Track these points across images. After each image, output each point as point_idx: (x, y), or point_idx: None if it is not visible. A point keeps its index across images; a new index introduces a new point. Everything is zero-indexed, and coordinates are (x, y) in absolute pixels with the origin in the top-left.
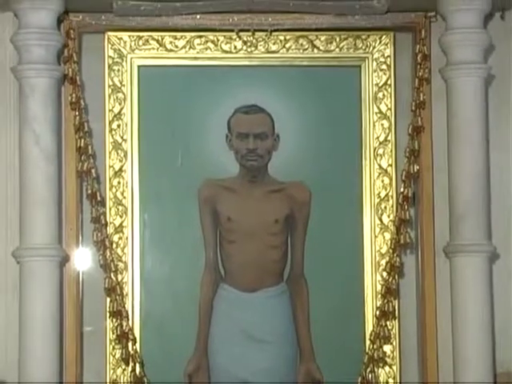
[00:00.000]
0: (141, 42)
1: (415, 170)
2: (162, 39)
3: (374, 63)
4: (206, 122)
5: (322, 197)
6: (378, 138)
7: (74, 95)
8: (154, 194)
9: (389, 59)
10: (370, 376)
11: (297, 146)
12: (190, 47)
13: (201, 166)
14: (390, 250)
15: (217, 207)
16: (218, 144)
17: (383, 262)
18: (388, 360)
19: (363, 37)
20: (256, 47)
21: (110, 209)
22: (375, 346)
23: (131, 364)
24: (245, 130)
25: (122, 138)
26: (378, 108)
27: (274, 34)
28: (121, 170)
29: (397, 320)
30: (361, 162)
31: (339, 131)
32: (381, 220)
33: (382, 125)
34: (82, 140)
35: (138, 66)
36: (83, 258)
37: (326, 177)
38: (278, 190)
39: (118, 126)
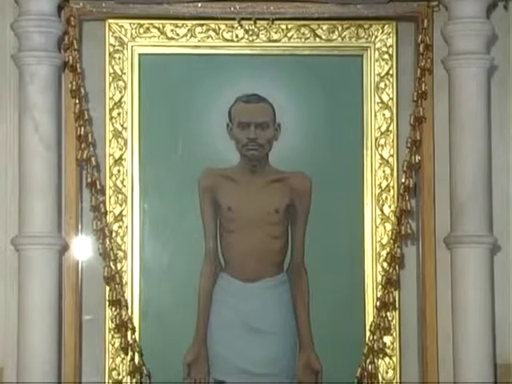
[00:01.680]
0: (142, 30)
1: (417, 160)
2: (163, 27)
3: (376, 53)
4: (207, 110)
5: (322, 187)
6: (379, 128)
7: (74, 83)
8: (154, 183)
9: (391, 49)
10: (369, 367)
11: (298, 136)
12: (191, 35)
13: (201, 155)
14: (391, 241)
15: (217, 197)
16: (218, 133)
17: (384, 253)
18: (388, 351)
19: (365, 26)
20: (257, 36)
21: (110, 197)
22: (375, 337)
23: (130, 353)
24: (246, 119)
25: (122, 126)
26: (380, 98)
27: (275, 22)
28: (121, 158)
29: (397, 311)
30: (362, 152)
31: (340, 121)
32: (382, 210)
33: (384, 115)
34: (82, 128)
35: (139, 54)
36: (83, 247)
37: (326, 167)
38: (279, 179)
39: (119, 114)
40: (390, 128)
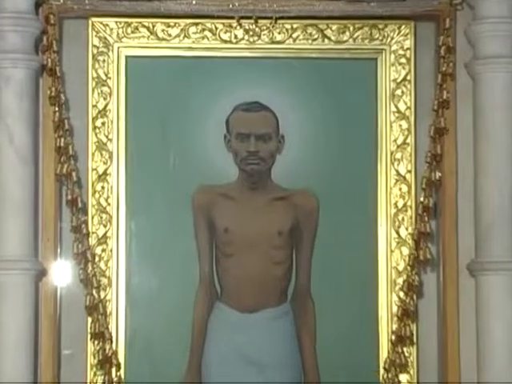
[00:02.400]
0: (129, 30)
1: (437, 176)
2: (153, 27)
3: (392, 56)
4: (202, 120)
5: (331, 206)
6: (395, 140)
7: (53, 88)
8: (142, 201)
9: (408, 52)
10: None
11: (304, 149)
12: (185, 36)
13: (195, 170)
14: (408, 267)
15: (213, 216)
16: (215, 145)
17: (400, 281)
18: None
19: (380, 26)
20: (259, 37)
21: (93, 217)
22: (390, 375)
23: None
24: (245, 129)
25: (106, 137)
26: (396, 107)
27: (279, 21)
28: (105, 173)
29: (415, 346)
30: (376, 167)
31: (352, 132)
32: (398, 233)
33: (401, 126)
34: (62, 139)
35: (126, 57)
36: (62, 272)
37: (336, 184)
38: (282, 198)
39: (103, 123)
40: (408, 140)
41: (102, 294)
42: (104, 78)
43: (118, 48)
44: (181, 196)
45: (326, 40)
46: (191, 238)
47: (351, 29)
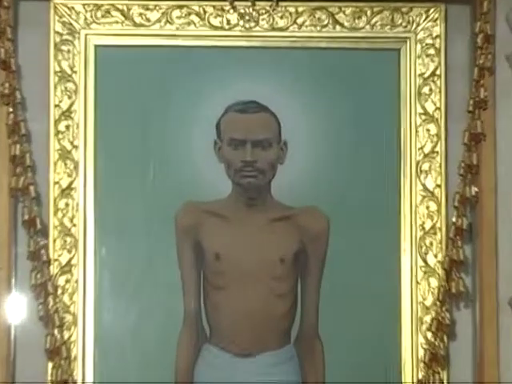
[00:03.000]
0: (99, 14)
1: (473, 192)
2: (129, 10)
3: (418, 46)
4: (188, 123)
5: (344, 228)
6: (422, 148)
7: (6, 85)
8: (115, 222)
9: (438, 41)
10: None
11: (311, 158)
12: (167, 21)
13: (180, 184)
14: (437, 303)
15: (201, 240)
16: (203, 154)
17: (427, 319)
18: None
19: (403, 10)
20: (257, 22)
21: (55, 240)
22: None
23: None
24: (240, 134)
25: (71, 144)
26: (423, 107)
27: (281, 4)
28: (70, 187)
29: None
30: (398, 181)
31: (369, 139)
32: (425, 261)
33: (428, 131)
34: (18, 146)
35: (96, 46)
36: (17, 308)
37: (350, 201)
38: (285, 217)
39: (67, 127)
40: (437, 148)
41: (66, 335)
42: (69, 72)
43: (86, 36)
44: (162, 215)
45: (337, 27)
46: (174, 266)
47: (368, 13)
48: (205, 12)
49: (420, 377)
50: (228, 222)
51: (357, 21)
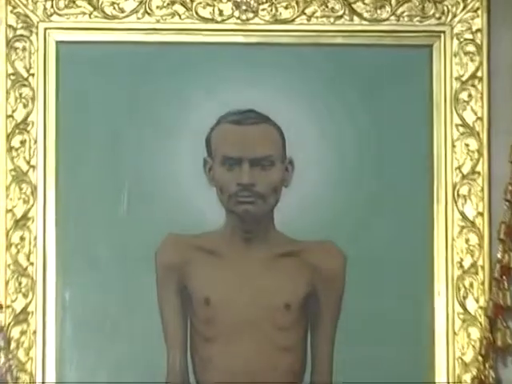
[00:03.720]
0: (62, 4)
1: None
2: None
3: (455, 42)
4: (171, 137)
5: (364, 267)
6: (459, 167)
7: None
8: (81, 259)
9: (479, 36)
10: None
11: (323, 181)
12: (146, 12)
13: (161, 213)
14: (479, 357)
15: (187, 282)
16: (189, 175)
17: (467, 377)
18: None
19: None
20: (256, 13)
21: (7, 282)
22: None
23: None
24: (236, 151)
25: (28, 163)
26: (461, 118)
27: None
28: (26, 217)
29: None
30: (431, 208)
31: (395, 156)
32: (463, 306)
33: (468, 146)
34: None
35: (57, 43)
36: None
37: (371, 233)
38: (292, 253)
39: (22, 142)
40: (478, 168)
41: None
42: (24, 74)
43: (46, 30)
44: (139, 251)
45: (355, 18)
46: (155, 313)
47: (393, 1)
48: (192, 1)
49: None
50: (220, 259)
51: (379, 11)
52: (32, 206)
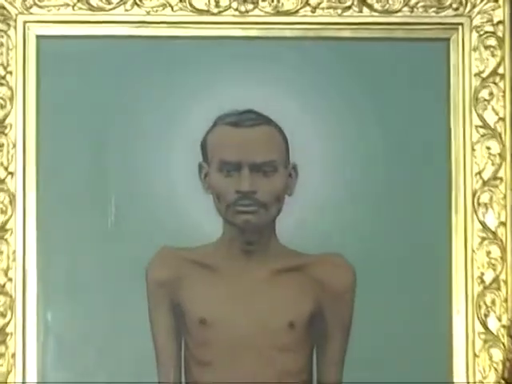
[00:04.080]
0: None
1: None
2: None
3: (475, 35)
4: (162, 141)
5: (376, 282)
6: (479, 173)
7: None
8: (64, 276)
9: (501, 28)
10: None
11: (330, 188)
12: (135, 4)
13: (152, 224)
14: (502, 381)
15: (181, 300)
16: (183, 182)
17: None
18: None
19: None
20: (256, 4)
21: None
22: None
23: None
24: (234, 156)
25: (6, 169)
26: (482, 118)
27: None
28: (4, 228)
29: None
30: (448, 218)
31: (408, 161)
32: (485, 325)
33: (489, 149)
34: None
35: (38, 37)
36: None
37: (383, 246)
38: (296, 268)
39: (0, 146)
40: (500, 173)
41: None
42: (2, 72)
43: (25, 24)
44: (128, 266)
45: (365, 9)
46: (145, 333)
47: None
48: None
49: None
50: (218, 274)
51: (391, 1)
52: (10, 216)
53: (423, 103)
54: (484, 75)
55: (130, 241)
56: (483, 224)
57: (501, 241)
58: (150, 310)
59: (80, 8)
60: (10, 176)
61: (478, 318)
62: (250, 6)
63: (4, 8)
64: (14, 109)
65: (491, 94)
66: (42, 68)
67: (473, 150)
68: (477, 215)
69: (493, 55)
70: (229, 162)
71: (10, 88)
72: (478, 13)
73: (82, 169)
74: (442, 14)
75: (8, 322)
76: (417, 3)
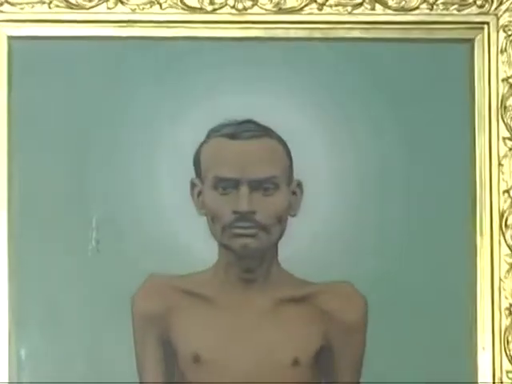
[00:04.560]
0: None
1: None
2: None
3: (502, 36)
4: (150, 154)
5: (391, 314)
6: (507, 191)
7: None
8: (39, 306)
9: None
10: None
11: (339, 208)
12: (119, 1)
13: (138, 250)
14: None
15: (171, 334)
16: (172, 202)
17: None
18: None
19: None
20: (255, 2)
21: None
22: None
23: None
24: (231, 172)
25: None
26: (509, 129)
27: None
28: None
29: None
30: (473, 240)
31: (427, 177)
32: None
33: None
34: None
35: (9, 38)
36: None
37: (398, 273)
38: (301, 298)
39: None
40: None
41: None
42: None
43: None
44: (111, 297)
45: (378, 7)
46: (130, 372)
47: None
48: None
49: None
50: (213, 305)
51: None
52: None
53: (444, 113)
54: None
55: (112, 268)
56: (511, 248)
57: None
58: (137, 347)
59: (57, 6)
60: None
61: (506, 354)
62: (249, 3)
63: None
64: None
65: None
66: (15, 73)
67: (500, 164)
68: (504, 238)
69: None
70: (225, 178)
71: None
72: (506, 10)
73: (59, 186)
74: (465, 11)
75: None
76: (436, 0)
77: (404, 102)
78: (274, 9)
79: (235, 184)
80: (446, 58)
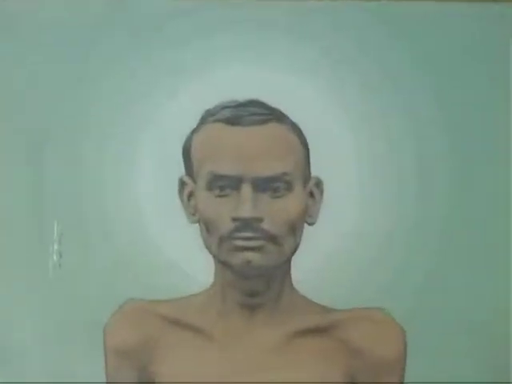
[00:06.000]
0: None
1: None
2: None
3: None
4: (127, 145)
5: (429, 346)
6: None
7: None
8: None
9: None
10: None
11: (367, 214)
12: None
13: (111, 267)
14: None
15: (154, 374)
16: (155, 205)
17: None
18: None
19: None
20: None
21: None
22: None
23: None
24: (231, 167)
25: None
26: None
27: None
28: None
29: None
30: None
31: (471, 181)
32: None
33: None
34: None
35: None
36: None
37: (438, 299)
38: (319, 328)
39: None
40: None
41: None
42: None
43: None
44: (77, 327)
45: None
46: None
47: None
48: None
49: None
50: (207, 339)
51: None
52: None
53: (489, 102)
54: None
55: (80, 291)
56: None
57: None
58: None
59: None
60: None
61: None
62: None
63: None
64: None
65: None
66: None
67: None
68: None
69: None
70: (223, 175)
71: None
72: None
73: (13, 188)
74: None
75: None
76: None
77: (444, 79)
78: None
79: (236, 183)
80: (496, 22)
